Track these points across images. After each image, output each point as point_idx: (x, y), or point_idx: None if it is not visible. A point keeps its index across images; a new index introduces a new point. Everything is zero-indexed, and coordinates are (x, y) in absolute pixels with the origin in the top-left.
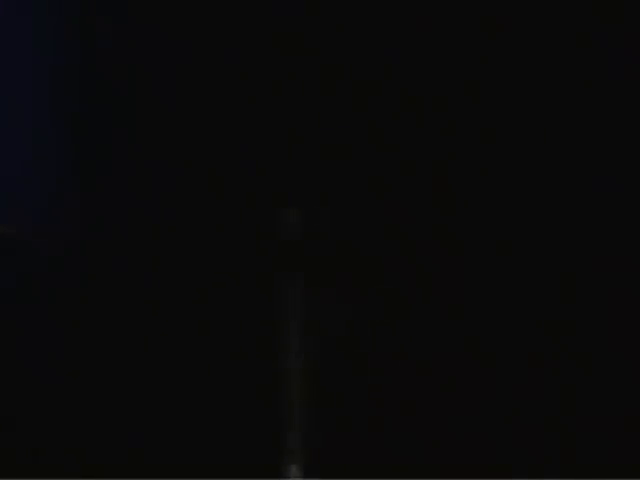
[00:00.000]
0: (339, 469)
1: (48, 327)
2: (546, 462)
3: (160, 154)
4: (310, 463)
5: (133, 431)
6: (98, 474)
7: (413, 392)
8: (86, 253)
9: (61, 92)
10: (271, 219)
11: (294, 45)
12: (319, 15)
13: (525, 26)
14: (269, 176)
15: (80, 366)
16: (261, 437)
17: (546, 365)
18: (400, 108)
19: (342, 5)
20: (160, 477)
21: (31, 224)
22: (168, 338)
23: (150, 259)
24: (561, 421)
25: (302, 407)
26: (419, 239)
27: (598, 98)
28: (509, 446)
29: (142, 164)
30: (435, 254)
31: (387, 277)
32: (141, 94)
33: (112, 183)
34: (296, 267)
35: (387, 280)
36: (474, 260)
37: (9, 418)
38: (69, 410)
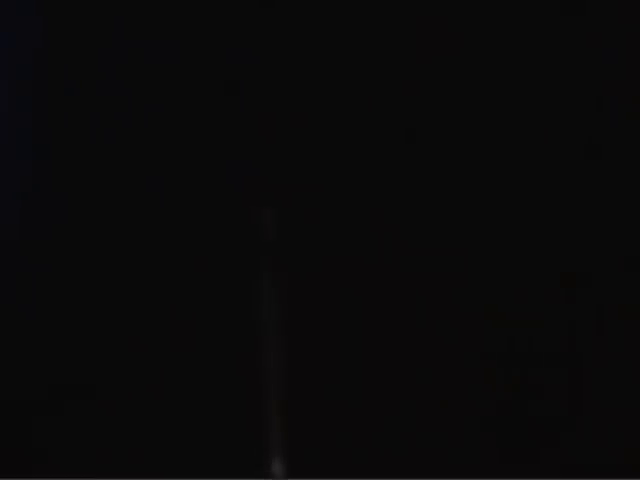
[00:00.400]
0: (322, 467)
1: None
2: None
3: (138, 154)
4: (293, 460)
5: (115, 431)
6: (88, 474)
7: (398, 389)
8: (62, 255)
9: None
10: (247, 219)
11: (272, 45)
12: (297, 14)
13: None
14: (245, 176)
15: (61, 367)
16: (244, 434)
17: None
18: (376, 105)
19: (324, 3)
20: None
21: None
22: (148, 337)
23: (129, 256)
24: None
25: (284, 406)
26: (398, 237)
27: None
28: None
29: (121, 164)
30: (417, 251)
31: (365, 276)
32: (119, 92)
33: (90, 182)
34: (274, 267)
35: (365, 279)
36: (457, 258)
37: None
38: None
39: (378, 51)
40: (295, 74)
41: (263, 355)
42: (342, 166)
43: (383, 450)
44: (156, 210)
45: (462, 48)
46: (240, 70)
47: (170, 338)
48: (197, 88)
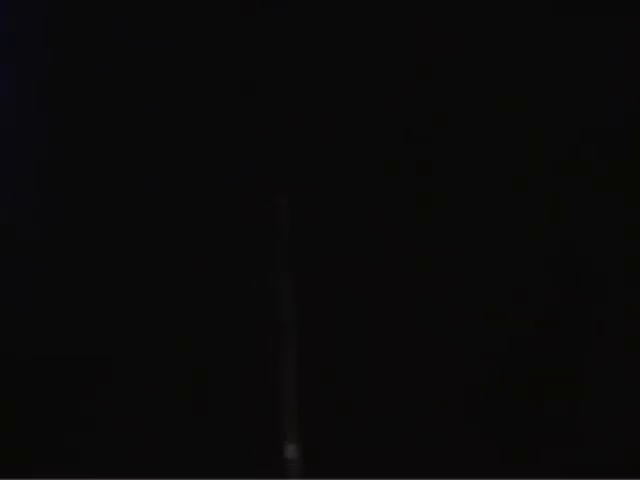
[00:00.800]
0: (336, 451)
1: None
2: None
3: (147, 143)
4: (307, 444)
5: (122, 426)
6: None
7: (410, 379)
8: (71, 246)
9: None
10: (261, 207)
11: (282, 32)
12: (308, 10)
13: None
14: (259, 163)
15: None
16: (260, 419)
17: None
18: (389, 95)
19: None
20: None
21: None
22: (161, 326)
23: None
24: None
25: (299, 391)
26: (408, 229)
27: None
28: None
29: (130, 152)
30: (426, 244)
31: (378, 265)
32: (126, 82)
33: (99, 172)
34: (288, 255)
35: (378, 268)
36: (464, 249)
37: None
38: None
39: (387, 42)
40: (310, 63)
41: (278, 342)
42: (355, 153)
43: (395, 438)
44: (171, 198)
45: (469, 47)
46: (254, 61)
47: (185, 326)
48: (210, 78)
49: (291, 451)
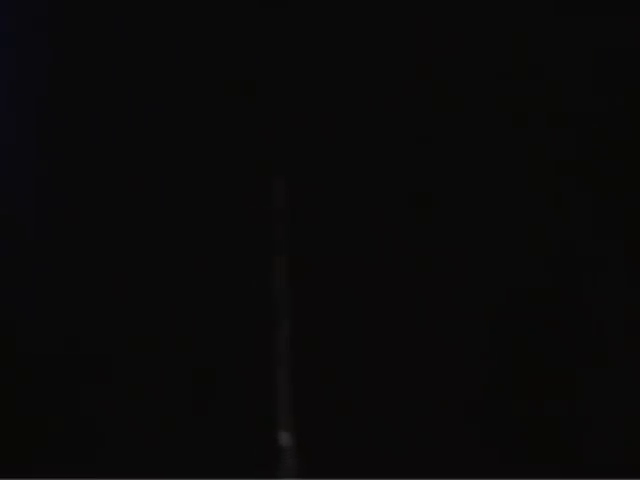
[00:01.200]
0: (331, 442)
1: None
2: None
3: (144, 129)
4: (301, 434)
5: (117, 424)
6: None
7: (408, 372)
8: (68, 241)
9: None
10: (258, 188)
11: (278, 23)
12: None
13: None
14: (256, 146)
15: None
16: (254, 409)
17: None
18: (386, 82)
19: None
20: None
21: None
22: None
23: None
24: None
25: (294, 379)
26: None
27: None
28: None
29: (127, 139)
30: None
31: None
32: (123, 74)
33: (95, 167)
34: (285, 236)
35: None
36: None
37: None
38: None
39: (384, 36)
40: (306, 50)
41: (273, 328)
42: (354, 137)
43: (392, 429)
44: (169, 181)
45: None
46: (250, 48)
47: (180, 318)
48: (205, 64)
49: (285, 441)
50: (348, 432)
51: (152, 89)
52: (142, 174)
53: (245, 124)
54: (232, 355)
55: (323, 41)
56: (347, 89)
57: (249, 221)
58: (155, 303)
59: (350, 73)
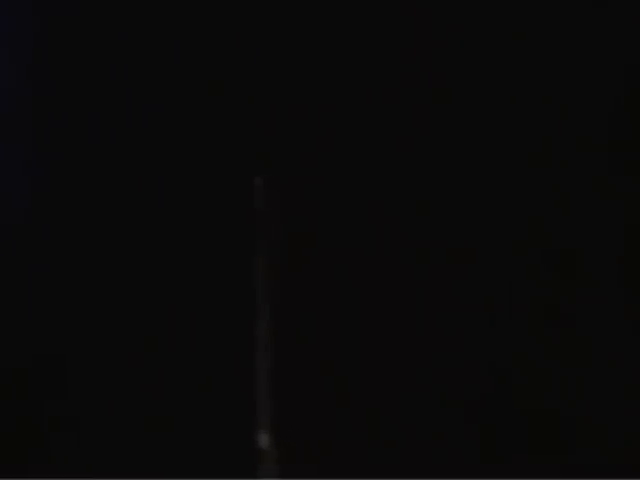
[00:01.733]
0: (309, 440)
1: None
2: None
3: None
4: (280, 433)
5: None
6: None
7: (392, 368)
8: (56, 235)
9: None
10: (238, 188)
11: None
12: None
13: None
14: (239, 145)
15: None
16: (233, 407)
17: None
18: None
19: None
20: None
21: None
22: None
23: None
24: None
25: (273, 380)
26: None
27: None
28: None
29: (109, 141)
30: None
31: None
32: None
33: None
34: (265, 235)
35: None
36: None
37: None
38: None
39: (370, 33)
40: (288, 51)
41: (254, 324)
42: (335, 135)
43: (375, 429)
44: (150, 183)
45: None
46: (231, 51)
47: (162, 309)
48: (185, 69)
49: (265, 442)
50: (328, 433)
51: (133, 91)
52: (124, 175)
53: (225, 124)
54: (211, 356)
55: (303, 39)
56: (328, 89)
57: (230, 221)
58: (133, 301)
59: (331, 72)
